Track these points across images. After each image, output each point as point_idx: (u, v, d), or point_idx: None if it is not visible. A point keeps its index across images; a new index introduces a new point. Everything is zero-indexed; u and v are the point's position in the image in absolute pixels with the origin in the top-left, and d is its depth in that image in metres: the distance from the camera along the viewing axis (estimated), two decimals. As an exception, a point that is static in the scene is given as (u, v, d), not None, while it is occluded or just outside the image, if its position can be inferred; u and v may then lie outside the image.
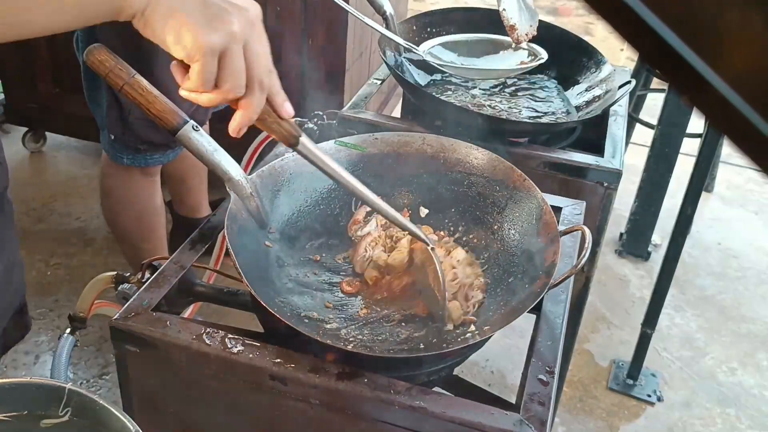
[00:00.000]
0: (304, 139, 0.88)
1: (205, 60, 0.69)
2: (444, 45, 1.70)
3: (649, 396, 2.20)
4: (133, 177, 1.95)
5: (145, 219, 2.02)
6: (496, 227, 1.18)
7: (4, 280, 1.11)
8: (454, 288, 1.08)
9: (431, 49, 1.67)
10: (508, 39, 1.68)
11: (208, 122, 2.17)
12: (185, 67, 0.71)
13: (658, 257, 2.77)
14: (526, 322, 1.05)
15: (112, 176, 1.98)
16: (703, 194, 2.22)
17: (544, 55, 1.63)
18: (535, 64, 1.63)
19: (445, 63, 1.63)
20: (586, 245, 1.01)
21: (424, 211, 1.25)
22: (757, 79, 0.23)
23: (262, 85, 0.74)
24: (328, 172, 0.95)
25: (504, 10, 1.61)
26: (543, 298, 1.05)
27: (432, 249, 1.03)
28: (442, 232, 1.22)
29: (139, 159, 1.91)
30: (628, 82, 1.59)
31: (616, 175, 1.45)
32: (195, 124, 1.09)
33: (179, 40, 0.68)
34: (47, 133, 3.04)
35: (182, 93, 0.74)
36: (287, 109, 0.81)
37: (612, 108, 1.65)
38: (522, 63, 1.66)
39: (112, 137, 1.85)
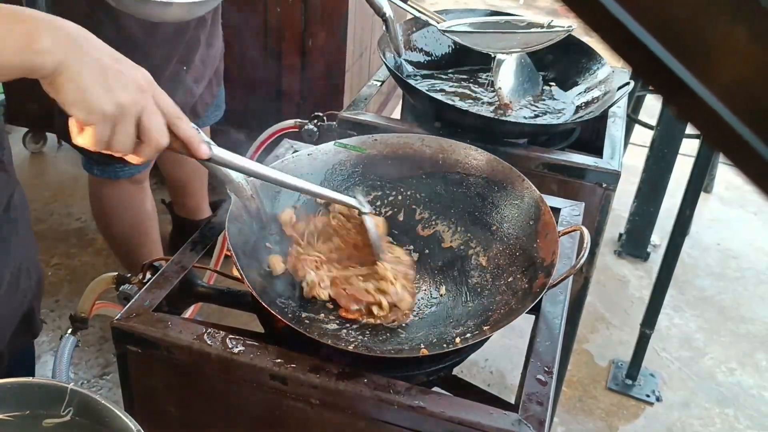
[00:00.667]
0: (216, 150, 0.91)
1: (98, 127, 0.77)
2: (469, 26, 1.71)
3: (648, 396, 2.21)
4: (121, 186, 1.94)
5: (138, 225, 2.02)
6: (494, 228, 1.18)
7: (11, 284, 1.12)
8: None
9: (453, 25, 1.68)
10: (537, 20, 1.68)
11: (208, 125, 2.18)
12: (81, 125, 0.79)
13: (657, 258, 2.77)
14: (525, 322, 1.06)
15: (98, 187, 1.98)
16: (702, 195, 2.23)
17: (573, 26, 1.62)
18: (561, 36, 1.62)
19: (467, 31, 1.64)
20: (584, 245, 1.02)
21: (422, 214, 1.25)
22: (743, 90, 0.23)
23: (153, 143, 0.81)
24: (247, 170, 0.98)
25: (500, 88, 1.62)
26: (542, 298, 1.06)
27: (365, 214, 1.11)
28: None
29: (108, 171, 1.89)
30: (627, 84, 1.60)
31: (614, 176, 1.45)
32: (194, 126, 1.09)
33: (77, 104, 0.75)
34: (47, 134, 3.05)
35: (77, 143, 0.81)
36: (203, 151, 0.88)
37: (611, 109, 1.65)
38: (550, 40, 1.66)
39: (62, 143, 1.84)
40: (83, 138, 0.79)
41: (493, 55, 1.66)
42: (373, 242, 1.11)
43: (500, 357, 2.26)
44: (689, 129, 2.55)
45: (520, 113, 1.65)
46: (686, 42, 0.23)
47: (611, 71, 1.70)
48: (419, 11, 1.67)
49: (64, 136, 1.83)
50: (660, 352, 2.39)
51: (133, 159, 0.84)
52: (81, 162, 1.92)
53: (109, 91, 0.76)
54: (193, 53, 1.87)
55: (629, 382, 2.24)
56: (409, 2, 1.67)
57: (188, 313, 1.39)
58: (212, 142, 0.92)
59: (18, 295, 1.15)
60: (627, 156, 3.08)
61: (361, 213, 1.13)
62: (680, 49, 0.23)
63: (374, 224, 1.13)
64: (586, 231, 1.05)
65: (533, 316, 1.08)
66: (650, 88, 2.84)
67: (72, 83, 0.74)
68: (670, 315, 2.54)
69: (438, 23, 1.66)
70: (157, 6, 1.40)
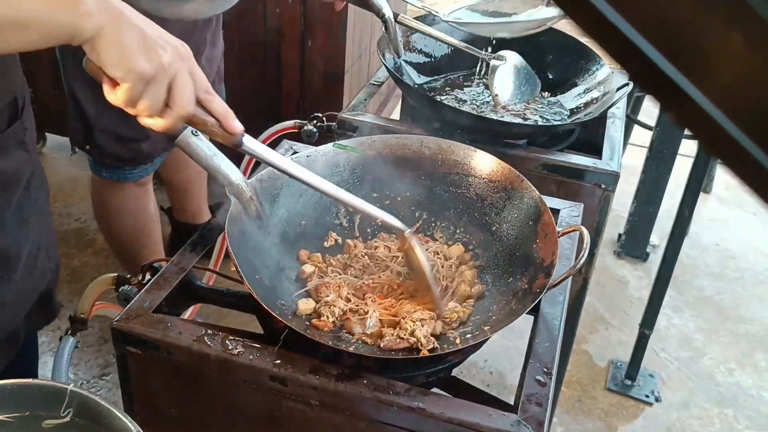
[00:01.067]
0: (247, 140, 0.93)
1: (132, 84, 0.80)
2: (471, 8, 1.73)
3: (647, 396, 2.21)
4: (125, 188, 1.94)
5: (140, 227, 2.02)
6: (494, 228, 1.18)
7: (28, 263, 1.14)
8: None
9: (454, 13, 1.70)
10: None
11: None
12: (115, 83, 0.82)
13: (656, 258, 2.77)
14: (524, 323, 1.06)
15: (102, 189, 1.98)
16: (702, 195, 2.23)
17: None
18: (561, 16, 1.64)
19: (469, 21, 1.66)
20: (584, 246, 1.02)
21: (421, 215, 1.25)
22: (738, 95, 0.23)
23: (179, 108, 0.84)
24: (278, 167, 0.99)
25: (496, 95, 1.63)
26: (541, 299, 1.06)
27: (410, 233, 1.06)
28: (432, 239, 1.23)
29: (118, 173, 1.89)
30: (626, 85, 1.60)
31: (613, 177, 1.45)
32: (194, 129, 1.10)
33: (116, 64, 0.79)
34: (47, 134, 3.05)
35: (108, 98, 0.84)
36: (236, 126, 0.90)
37: (610, 110, 1.65)
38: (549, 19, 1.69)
39: (76, 150, 1.84)
40: (115, 95, 0.82)
41: (488, 61, 1.66)
42: (431, 287, 1.05)
43: (499, 358, 2.26)
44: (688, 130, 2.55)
45: (519, 114, 1.65)
46: (682, 48, 0.23)
47: (610, 72, 1.70)
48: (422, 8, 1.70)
49: (79, 142, 1.84)
50: (659, 353, 2.39)
51: (157, 123, 0.86)
52: (89, 164, 1.92)
53: (148, 53, 0.79)
54: (200, 53, 1.89)
55: (628, 382, 2.24)
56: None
57: (187, 314, 1.40)
58: (245, 135, 0.93)
59: (36, 275, 1.18)
60: (626, 157, 3.08)
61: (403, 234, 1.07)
62: (676, 54, 0.23)
63: (425, 255, 1.06)
64: (585, 231, 1.05)
65: (532, 317, 1.08)
66: (647, 93, 2.84)
67: (113, 45, 0.78)
68: (669, 315, 2.54)
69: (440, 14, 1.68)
70: (173, 3, 1.40)
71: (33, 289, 1.18)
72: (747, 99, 0.23)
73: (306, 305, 1.06)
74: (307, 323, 1.05)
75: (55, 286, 1.27)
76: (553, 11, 1.69)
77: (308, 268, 1.14)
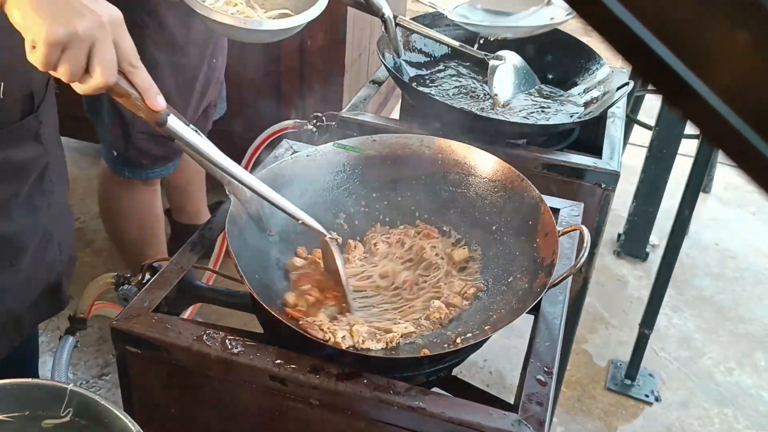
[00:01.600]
0: (171, 120, 0.91)
1: (46, 50, 0.78)
2: (472, 4, 1.73)
3: (647, 396, 2.21)
4: (135, 187, 1.95)
5: (147, 227, 2.03)
6: (494, 228, 1.18)
7: (37, 253, 1.15)
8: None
9: (458, 8, 1.70)
10: None
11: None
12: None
13: (656, 258, 2.77)
14: (524, 322, 1.06)
15: (112, 187, 1.99)
16: (701, 195, 2.23)
17: (574, 12, 1.66)
18: (565, 20, 1.65)
19: (472, 23, 1.66)
20: (584, 245, 1.02)
21: (421, 215, 1.25)
22: (746, 92, 0.23)
23: (99, 76, 0.81)
24: (199, 151, 0.96)
25: (496, 95, 1.64)
26: (541, 299, 1.06)
27: (329, 239, 1.07)
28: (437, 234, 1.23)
29: (141, 172, 1.91)
30: (626, 84, 1.60)
31: (613, 177, 1.45)
32: (195, 128, 1.09)
33: (25, 27, 0.78)
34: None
35: (28, 59, 0.82)
36: (159, 102, 0.87)
37: (610, 110, 1.65)
38: (552, 19, 1.69)
39: (115, 153, 1.86)
40: (32, 56, 0.80)
41: (487, 61, 1.66)
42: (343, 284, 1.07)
43: (499, 357, 2.26)
44: (688, 129, 2.55)
45: (519, 114, 1.65)
46: (689, 44, 0.23)
47: (610, 71, 1.70)
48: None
49: (121, 146, 1.85)
50: (659, 352, 2.39)
51: (77, 87, 0.84)
52: (109, 165, 1.92)
53: (62, 18, 0.77)
54: (218, 51, 1.94)
55: (628, 382, 2.24)
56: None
57: (187, 314, 1.39)
58: (175, 113, 0.91)
59: (45, 265, 1.19)
60: (626, 156, 3.08)
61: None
62: (683, 50, 0.23)
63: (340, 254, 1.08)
64: (586, 230, 1.05)
65: (532, 317, 1.08)
66: (653, 89, 2.84)
67: (21, 8, 0.77)
68: (669, 315, 2.54)
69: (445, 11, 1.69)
70: (247, 31, 1.43)
71: (40, 279, 1.19)
72: (754, 95, 0.23)
73: (293, 298, 1.07)
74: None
75: (67, 278, 1.28)
76: (558, 11, 1.69)
77: (298, 262, 1.14)
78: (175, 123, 0.91)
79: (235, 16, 1.43)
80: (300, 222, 1.06)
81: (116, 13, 0.83)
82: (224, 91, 2.15)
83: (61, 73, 0.81)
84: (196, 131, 0.98)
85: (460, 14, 1.74)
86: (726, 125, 0.23)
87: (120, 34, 0.83)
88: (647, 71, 0.25)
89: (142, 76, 0.86)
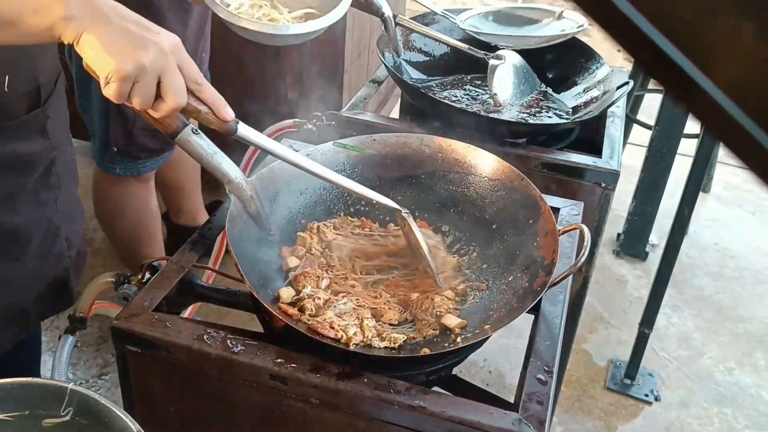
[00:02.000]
0: (242, 127, 0.97)
1: (118, 85, 0.84)
2: (484, 16, 1.74)
3: (647, 396, 2.21)
4: (128, 185, 1.96)
5: (142, 224, 2.04)
6: (494, 227, 1.18)
7: (42, 246, 1.16)
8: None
9: (469, 19, 1.71)
10: (552, 8, 1.71)
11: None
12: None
13: (655, 257, 2.77)
14: (524, 322, 1.06)
15: (106, 186, 1.99)
16: (701, 195, 2.23)
17: (585, 24, 1.68)
18: (576, 31, 1.66)
19: (483, 32, 1.67)
20: (585, 244, 1.02)
21: (422, 213, 1.25)
22: (750, 86, 0.23)
23: (171, 100, 0.87)
24: (274, 153, 1.03)
25: (495, 94, 1.64)
26: (541, 298, 1.06)
27: (406, 213, 1.10)
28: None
29: (132, 168, 1.92)
30: (626, 84, 1.60)
31: (613, 176, 1.45)
32: (194, 127, 1.09)
33: (98, 65, 0.84)
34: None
35: (103, 93, 0.87)
36: (227, 113, 0.94)
37: (610, 109, 1.65)
38: (563, 31, 1.70)
39: (115, 149, 1.87)
40: (107, 91, 0.85)
41: (487, 60, 1.66)
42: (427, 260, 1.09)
43: (499, 357, 2.26)
44: (687, 129, 2.56)
45: (519, 113, 1.65)
46: (693, 39, 0.23)
47: (610, 71, 1.70)
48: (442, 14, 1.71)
49: (122, 143, 1.88)
50: (658, 352, 2.39)
51: (152, 113, 0.89)
52: (97, 162, 1.94)
53: (129, 53, 0.83)
54: (206, 45, 1.99)
55: (628, 381, 2.24)
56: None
57: (187, 313, 1.39)
58: (240, 122, 0.97)
59: (51, 259, 1.20)
60: (625, 156, 3.07)
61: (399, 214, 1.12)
62: (687, 46, 0.23)
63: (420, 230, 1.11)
64: (586, 229, 1.05)
65: (532, 316, 1.08)
66: (653, 88, 2.84)
67: (94, 47, 0.82)
68: (669, 314, 2.54)
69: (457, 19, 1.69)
70: (273, 36, 1.44)
71: (47, 273, 1.20)
72: (758, 90, 0.23)
73: (287, 293, 1.07)
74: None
75: (76, 273, 1.28)
76: (569, 24, 1.70)
77: (292, 262, 1.14)
78: (245, 130, 0.97)
79: (262, 23, 1.42)
80: (375, 203, 1.12)
81: (175, 41, 0.88)
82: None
83: (136, 103, 0.86)
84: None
85: (471, 25, 1.75)
86: (730, 121, 0.23)
87: (182, 58, 0.88)
88: (651, 67, 0.25)
89: (209, 92, 0.92)
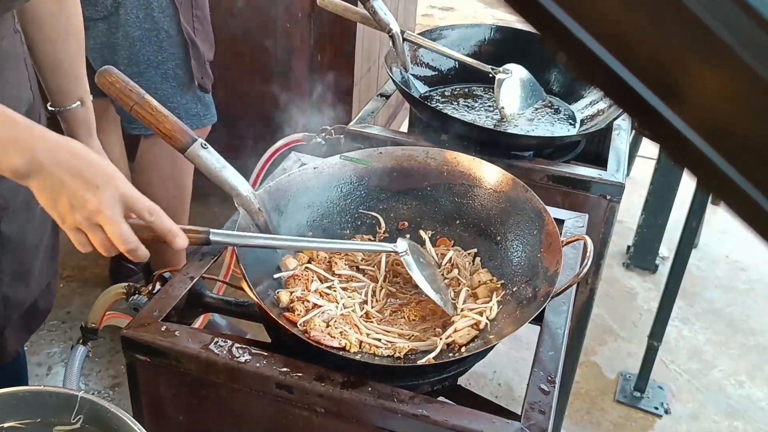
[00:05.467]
0: (213, 235, 1.01)
1: (71, 237, 0.91)
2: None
3: (657, 408, 2.21)
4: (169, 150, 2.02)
5: (185, 190, 2.13)
6: (499, 238, 1.20)
7: (47, 255, 1.23)
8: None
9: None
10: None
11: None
12: None
13: (665, 270, 2.76)
14: (533, 333, 1.07)
15: (154, 150, 2.06)
16: (711, 207, 2.24)
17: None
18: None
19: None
20: (588, 254, 1.03)
21: (427, 225, 1.27)
22: (710, 116, 0.24)
23: (121, 247, 0.91)
24: (256, 245, 1.07)
25: (503, 108, 1.66)
26: (545, 309, 1.07)
27: (403, 253, 1.11)
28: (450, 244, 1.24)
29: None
30: (631, 96, 1.61)
31: (619, 189, 1.46)
32: (203, 142, 1.12)
33: (50, 213, 0.90)
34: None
35: None
36: (179, 243, 0.96)
37: (615, 122, 1.66)
38: None
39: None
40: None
41: (494, 75, 1.68)
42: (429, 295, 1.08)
43: (508, 369, 2.27)
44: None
45: (525, 126, 1.67)
46: (649, 66, 0.24)
47: (616, 84, 1.71)
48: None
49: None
50: (669, 365, 2.38)
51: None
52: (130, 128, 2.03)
53: (66, 214, 0.88)
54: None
55: (638, 394, 2.24)
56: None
57: (198, 324, 1.41)
58: (211, 230, 1.01)
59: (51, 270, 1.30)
60: (635, 168, 3.09)
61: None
62: (643, 72, 0.24)
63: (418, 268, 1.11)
64: (589, 240, 1.06)
65: (539, 327, 1.09)
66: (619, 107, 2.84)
67: (41, 200, 0.89)
68: (679, 327, 2.53)
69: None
70: None
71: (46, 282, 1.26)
72: (718, 120, 0.24)
73: (286, 296, 1.09)
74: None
75: (19, 332, 1.31)
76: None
77: (291, 263, 1.15)
78: (217, 236, 1.01)
79: None
80: (362, 258, 1.19)
81: (114, 185, 0.89)
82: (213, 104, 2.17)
83: (97, 247, 0.91)
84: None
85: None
86: (692, 148, 0.25)
87: (127, 197, 0.90)
88: (608, 89, 0.26)
89: (162, 223, 0.94)
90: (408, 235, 1.26)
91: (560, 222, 1.28)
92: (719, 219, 3.15)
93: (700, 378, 2.34)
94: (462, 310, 1.10)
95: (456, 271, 1.18)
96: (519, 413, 0.98)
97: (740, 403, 2.26)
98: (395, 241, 1.16)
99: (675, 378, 2.34)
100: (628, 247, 2.86)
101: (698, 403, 2.25)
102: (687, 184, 2.62)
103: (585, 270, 1.00)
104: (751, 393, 2.30)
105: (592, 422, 2.16)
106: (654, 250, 2.81)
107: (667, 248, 2.81)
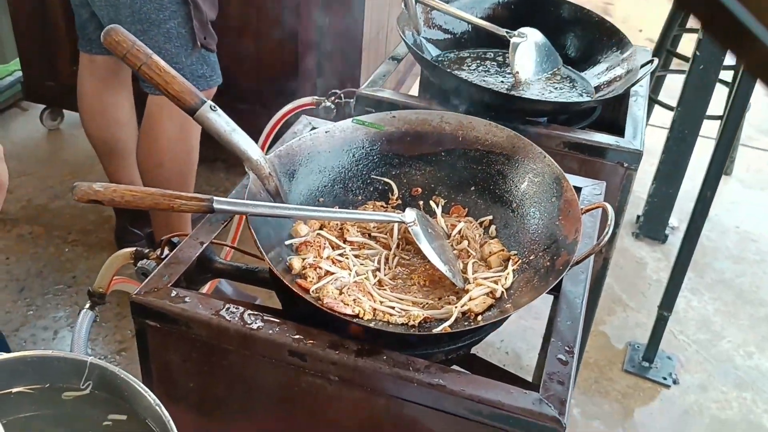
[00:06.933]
0: (217, 202, 0.99)
1: None
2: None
3: (665, 379, 2.20)
4: (184, 121, 1.99)
5: (192, 159, 2.10)
6: (515, 205, 1.17)
7: None
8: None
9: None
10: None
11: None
12: None
13: (675, 240, 2.75)
14: (541, 302, 1.05)
15: (163, 114, 2.03)
16: (722, 177, 2.20)
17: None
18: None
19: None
20: (609, 222, 1.00)
21: (441, 191, 1.24)
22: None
23: None
24: (262, 214, 1.03)
25: (517, 72, 1.61)
26: (562, 278, 1.05)
27: (411, 224, 1.08)
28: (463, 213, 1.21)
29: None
30: (651, 62, 1.57)
31: (636, 156, 1.43)
32: (212, 104, 1.09)
33: None
34: (65, 111, 3.05)
35: None
36: None
37: (633, 88, 1.62)
38: None
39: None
40: None
41: (508, 38, 1.64)
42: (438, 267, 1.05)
43: (516, 337, 2.26)
44: (710, 110, 2.51)
45: (540, 92, 1.63)
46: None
47: (633, 49, 1.67)
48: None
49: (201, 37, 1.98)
50: (677, 335, 2.37)
51: None
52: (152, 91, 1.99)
53: None
54: None
55: (646, 364, 2.23)
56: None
57: (205, 290, 1.39)
58: (214, 198, 0.99)
59: None
60: (646, 137, 3.05)
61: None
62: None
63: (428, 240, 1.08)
64: (609, 208, 1.03)
65: (551, 297, 1.06)
66: (716, 40, 2.76)
67: None
68: (688, 297, 2.52)
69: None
70: None
71: None
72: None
73: (299, 262, 1.07)
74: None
75: None
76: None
77: (303, 230, 1.13)
78: (221, 205, 0.99)
79: None
80: (374, 226, 1.15)
81: None
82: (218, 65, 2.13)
83: None
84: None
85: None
86: None
87: None
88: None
89: None
90: (421, 202, 1.23)
91: (577, 190, 1.25)
92: (730, 189, 3.12)
93: (709, 349, 2.33)
94: (475, 279, 1.07)
95: (465, 242, 1.15)
96: (530, 381, 0.97)
97: (749, 374, 2.25)
98: (408, 208, 1.14)
99: (684, 348, 2.33)
100: (638, 216, 2.83)
101: (707, 373, 2.24)
102: (698, 154, 2.58)
103: (606, 238, 0.98)
104: (760, 364, 2.29)
105: (600, 392, 2.16)
106: (664, 220, 2.78)
107: (678, 218, 2.79)
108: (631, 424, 2.07)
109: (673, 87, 2.91)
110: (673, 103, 2.61)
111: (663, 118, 2.97)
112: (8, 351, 1.37)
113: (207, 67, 2.02)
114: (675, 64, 3.01)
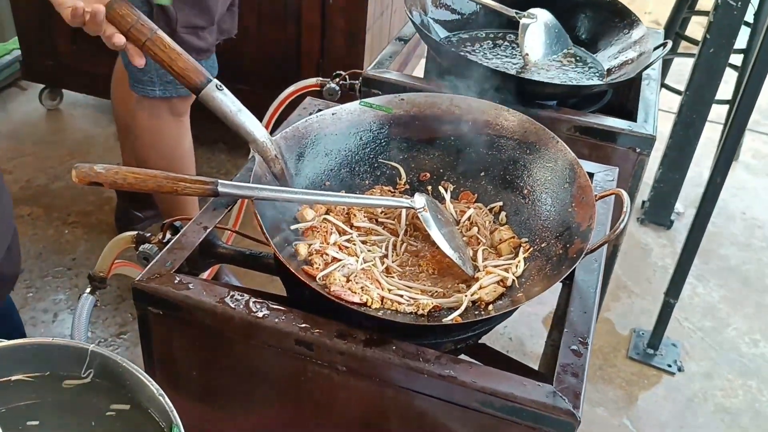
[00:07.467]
0: (222, 186, 0.98)
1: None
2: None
3: (670, 366, 2.18)
4: (162, 116, 1.92)
5: (175, 162, 2.01)
6: (526, 192, 1.14)
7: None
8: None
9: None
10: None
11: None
12: None
13: (680, 226, 2.72)
14: (548, 290, 1.02)
15: (142, 116, 1.96)
16: (730, 163, 2.17)
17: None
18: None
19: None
20: (624, 209, 0.97)
21: (450, 177, 1.21)
22: None
23: None
24: (267, 197, 1.01)
25: (527, 54, 1.57)
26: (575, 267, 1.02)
27: (421, 210, 1.06)
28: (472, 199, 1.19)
29: (170, 89, 1.88)
30: (664, 44, 1.53)
31: (649, 141, 1.40)
32: (218, 83, 1.06)
33: None
34: (64, 91, 3.01)
35: None
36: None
37: (645, 72, 1.59)
38: None
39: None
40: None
41: (518, 19, 1.60)
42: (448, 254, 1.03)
43: (519, 324, 2.23)
44: (719, 95, 2.48)
45: (550, 74, 1.60)
46: None
47: (646, 31, 1.63)
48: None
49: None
50: (682, 322, 2.35)
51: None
52: (136, 90, 1.89)
53: None
54: None
55: (650, 351, 2.21)
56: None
57: (206, 275, 1.37)
58: (219, 181, 0.97)
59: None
60: (654, 121, 3.01)
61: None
62: None
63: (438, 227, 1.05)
64: (625, 194, 1.00)
65: (559, 284, 1.03)
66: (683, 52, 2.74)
67: None
68: (694, 284, 2.49)
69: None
70: None
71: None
72: None
73: (305, 248, 1.04)
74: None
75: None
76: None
77: (309, 214, 1.10)
78: (226, 188, 0.97)
79: None
80: (381, 211, 1.13)
81: None
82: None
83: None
84: None
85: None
86: None
87: None
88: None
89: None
90: (430, 187, 1.21)
91: (590, 176, 1.22)
92: (736, 175, 3.09)
93: (714, 336, 2.31)
94: (486, 267, 1.05)
95: (475, 229, 1.12)
96: (537, 369, 0.94)
97: (754, 362, 2.23)
98: (417, 193, 1.11)
99: (688, 336, 2.31)
100: (643, 202, 2.80)
101: (712, 361, 2.22)
102: (704, 140, 2.55)
103: (622, 226, 0.95)
104: (765, 352, 2.27)
105: (604, 378, 2.14)
106: (670, 206, 2.75)
107: (683, 204, 2.76)
108: (635, 412, 2.05)
109: (681, 71, 2.87)
110: (681, 87, 2.57)
111: (670, 102, 2.93)
112: (24, 336, 1.34)
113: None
114: (683, 47, 2.96)
